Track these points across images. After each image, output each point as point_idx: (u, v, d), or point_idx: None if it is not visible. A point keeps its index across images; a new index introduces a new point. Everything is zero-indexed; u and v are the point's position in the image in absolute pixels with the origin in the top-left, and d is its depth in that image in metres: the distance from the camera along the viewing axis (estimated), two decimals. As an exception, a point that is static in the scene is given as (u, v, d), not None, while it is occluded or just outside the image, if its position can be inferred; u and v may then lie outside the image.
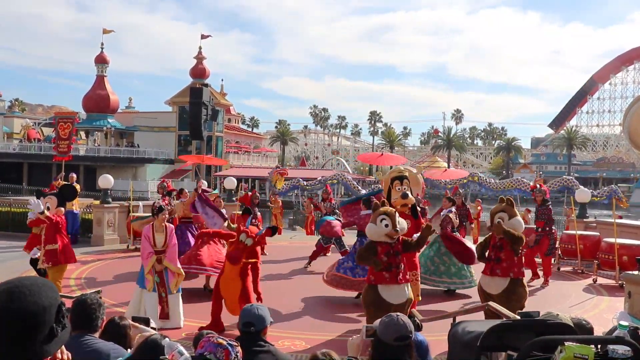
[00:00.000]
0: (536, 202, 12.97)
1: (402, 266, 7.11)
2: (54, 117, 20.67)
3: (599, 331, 3.92)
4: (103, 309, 3.48)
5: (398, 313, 3.40)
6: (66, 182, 16.00)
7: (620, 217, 14.29)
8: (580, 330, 3.36)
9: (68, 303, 3.71)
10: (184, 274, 8.71)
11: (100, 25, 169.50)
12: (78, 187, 16.57)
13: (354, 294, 10.28)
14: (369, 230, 7.16)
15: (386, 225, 6.85)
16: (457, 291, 11.22)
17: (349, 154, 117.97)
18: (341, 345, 7.61)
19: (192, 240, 11.58)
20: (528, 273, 12.58)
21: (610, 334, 3.07)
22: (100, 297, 3.53)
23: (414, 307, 8.60)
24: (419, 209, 9.00)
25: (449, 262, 10.93)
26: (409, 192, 8.38)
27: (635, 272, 7.44)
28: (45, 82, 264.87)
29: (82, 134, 61.87)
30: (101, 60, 60.08)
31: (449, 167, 61.37)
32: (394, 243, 7.00)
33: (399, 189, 8.49)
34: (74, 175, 17.65)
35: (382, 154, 17.05)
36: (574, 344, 2.46)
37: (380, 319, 3.39)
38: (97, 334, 3.37)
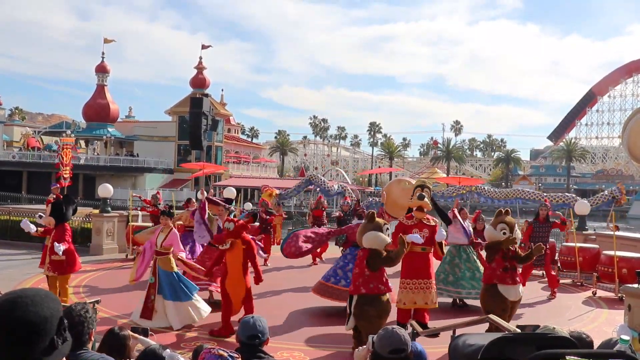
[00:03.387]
0: (540, 218, 12.79)
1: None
2: (59, 143, 21.55)
3: (598, 344, 3.92)
4: (89, 323, 3.30)
5: (394, 326, 3.39)
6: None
7: (617, 228, 14.24)
8: (581, 343, 3.36)
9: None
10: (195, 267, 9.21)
11: (101, 33, 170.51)
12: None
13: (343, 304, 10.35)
14: (371, 238, 7.45)
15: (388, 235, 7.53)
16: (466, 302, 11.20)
17: (349, 165, 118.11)
18: (339, 357, 7.60)
19: (197, 248, 11.76)
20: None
21: (604, 347, 3.07)
22: (94, 306, 3.44)
23: (427, 313, 8.91)
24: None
25: (460, 272, 10.94)
26: (425, 195, 9.06)
27: (635, 285, 7.43)
28: (45, 90, 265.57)
29: (82, 142, 61.93)
30: (102, 70, 60.23)
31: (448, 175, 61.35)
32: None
33: (417, 194, 9.19)
34: (57, 186, 17.58)
35: (380, 167, 17.03)
36: (575, 358, 2.46)
37: (378, 332, 3.39)
38: (89, 346, 3.32)
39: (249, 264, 8.55)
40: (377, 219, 7.71)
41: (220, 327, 8.43)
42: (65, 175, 19.13)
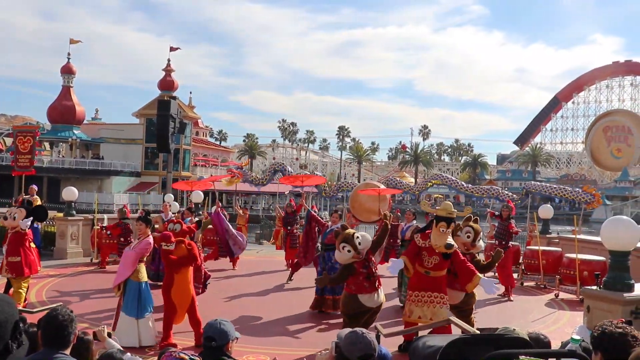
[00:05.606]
0: (502, 217, 13.12)
1: (376, 272, 8.02)
2: (12, 131, 21.09)
3: (557, 346, 4.01)
4: (75, 323, 3.31)
5: (363, 330, 3.36)
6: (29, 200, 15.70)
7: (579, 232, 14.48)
8: (538, 344, 3.44)
9: (29, 318, 3.67)
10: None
11: (67, 34, 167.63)
12: (39, 199, 16.26)
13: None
14: (337, 257, 8.09)
15: (349, 251, 7.73)
16: None
17: (317, 169, 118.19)
18: (306, 360, 7.63)
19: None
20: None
21: (563, 347, 3.15)
22: (72, 311, 3.40)
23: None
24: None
25: None
26: (454, 243, 7.65)
27: (594, 287, 7.61)
28: (8, 90, 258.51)
29: (47, 144, 60.75)
30: (67, 71, 59.21)
31: (416, 182, 61.83)
32: (363, 256, 7.85)
33: (442, 230, 7.53)
34: (35, 187, 17.29)
35: (302, 181, 16.10)
36: (529, 357, 2.53)
37: (345, 334, 3.36)
38: (68, 350, 3.31)
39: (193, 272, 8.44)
40: (345, 232, 7.92)
41: (161, 337, 7.98)
42: (21, 164, 18.67)
